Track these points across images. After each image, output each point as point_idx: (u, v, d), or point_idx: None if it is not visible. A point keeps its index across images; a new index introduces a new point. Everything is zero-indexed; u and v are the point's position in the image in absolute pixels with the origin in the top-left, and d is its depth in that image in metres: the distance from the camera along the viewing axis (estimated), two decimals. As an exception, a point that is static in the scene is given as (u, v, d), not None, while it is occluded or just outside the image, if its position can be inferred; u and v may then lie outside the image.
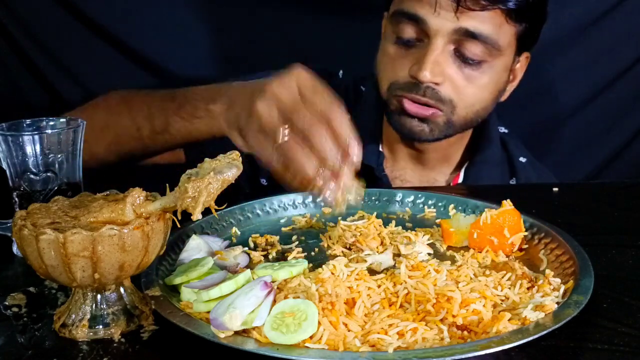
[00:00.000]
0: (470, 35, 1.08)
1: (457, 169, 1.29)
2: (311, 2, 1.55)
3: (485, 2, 1.06)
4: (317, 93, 0.84)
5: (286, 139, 0.82)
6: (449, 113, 1.13)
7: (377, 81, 1.20)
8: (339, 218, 0.96)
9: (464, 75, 1.11)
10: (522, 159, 1.33)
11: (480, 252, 0.87)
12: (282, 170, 0.84)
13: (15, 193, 0.86)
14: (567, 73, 1.56)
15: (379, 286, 0.74)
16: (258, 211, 1.01)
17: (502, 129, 1.35)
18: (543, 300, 0.71)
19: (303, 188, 0.83)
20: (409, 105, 1.12)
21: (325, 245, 0.91)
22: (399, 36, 1.13)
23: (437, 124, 1.14)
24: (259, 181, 1.26)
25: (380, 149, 1.27)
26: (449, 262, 0.83)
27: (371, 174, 1.24)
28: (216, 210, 0.69)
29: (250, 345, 0.64)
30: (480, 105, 1.16)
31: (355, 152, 0.82)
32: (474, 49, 1.09)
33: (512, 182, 1.31)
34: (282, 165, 0.83)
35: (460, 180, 1.28)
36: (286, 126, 0.82)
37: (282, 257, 0.88)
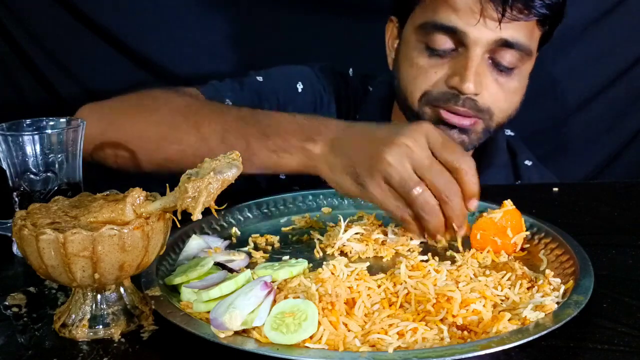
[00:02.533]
0: (509, 45, 1.07)
1: None
2: (315, 1, 1.55)
3: (526, 11, 1.05)
4: (448, 148, 0.86)
5: (419, 193, 0.84)
6: (488, 120, 1.12)
7: (403, 92, 1.16)
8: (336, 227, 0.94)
9: (498, 83, 1.10)
10: (527, 162, 1.33)
11: (481, 252, 0.86)
12: (408, 219, 0.87)
13: (15, 193, 0.86)
14: (568, 73, 1.56)
15: (379, 286, 0.74)
16: (258, 211, 1.01)
17: (508, 132, 1.35)
18: (543, 300, 0.71)
19: (427, 237, 0.89)
20: (448, 116, 1.10)
21: (321, 251, 0.91)
22: (431, 47, 1.10)
23: (477, 132, 1.13)
24: (277, 176, 1.24)
25: None
26: (449, 262, 0.83)
27: None
28: (216, 210, 0.68)
29: (250, 345, 0.64)
30: (511, 109, 1.15)
31: (473, 206, 0.86)
32: (508, 57, 1.08)
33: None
34: (411, 216, 0.86)
35: None
36: (423, 184, 0.84)
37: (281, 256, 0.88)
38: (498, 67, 1.10)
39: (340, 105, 1.32)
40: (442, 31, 1.08)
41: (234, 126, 0.99)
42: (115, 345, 0.68)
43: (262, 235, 0.95)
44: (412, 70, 1.13)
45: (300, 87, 1.29)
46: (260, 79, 1.28)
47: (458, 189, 0.85)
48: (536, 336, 0.64)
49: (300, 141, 0.93)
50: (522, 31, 1.07)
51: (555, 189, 1.14)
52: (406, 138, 0.85)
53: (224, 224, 0.97)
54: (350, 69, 1.36)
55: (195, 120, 1.02)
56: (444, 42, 1.09)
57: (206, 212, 0.67)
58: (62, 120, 0.89)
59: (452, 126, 1.11)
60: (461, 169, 0.85)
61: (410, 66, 1.14)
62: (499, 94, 1.11)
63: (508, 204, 0.88)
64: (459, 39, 1.07)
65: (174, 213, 0.68)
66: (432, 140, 0.86)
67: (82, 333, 0.69)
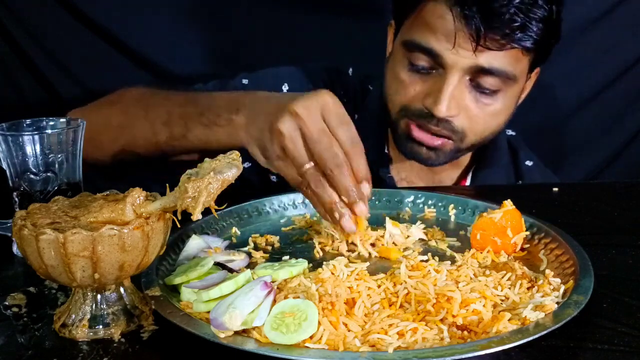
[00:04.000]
0: (487, 72, 1.07)
1: (465, 173, 1.29)
2: (315, 1, 1.55)
3: (504, 42, 1.04)
4: (342, 125, 0.85)
5: (306, 169, 0.84)
6: (459, 141, 1.13)
7: (386, 99, 1.18)
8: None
9: (478, 104, 1.10)
10: (529, 163, 1.32)
11: (481, 252, 0.86)
12: (304, 192, 0.87)
13: (15, 193, 0.86)
14: (567, 73, 1.56)
15: (379, 286, 0.74)
16: (258, 211, 1.01)
17: (509, 132, 1.34)
18: (543, 300, 0.71)
19: (322, 211, 0.86)
20: (418, 134, 1.11)
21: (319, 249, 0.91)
22: (413, 63, 1.11)
23: (445, 151, 1.13)
24: (268, 177, 1.26)
25: (386, 151, 1.27)
26: (449, 262, 0.83)
27: (376, 176, 1.23)
28: (216, 210, 0.68)
29: (250, 345, 0.64)
30: (490, 131, 1.15)
31: (367, 191, 0.85)
32: (490, 81, 1.08)
33: None
34: (305, 189, 0.86)
35: (467, 184, 1.28)
36: (310, 163, 0.84)
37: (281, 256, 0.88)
38: (480, 90, 1.09)
39: None
40: (421, 51, 1.09)
41: (176, 109, 1.04)
42: (115, 345, 0.68)
43: (262, 235, 0.95)
44: (394, 82, 1.15)
45: (285, 88, 1.30)
46: (245, 81, 1.29)
47: (343, 162, 0.83)
48: (536, 336, 0.64)
49: (228, 113, 0.95)
50: (503, 58, 1.06)
51: (555, 189, 1.14)
52: (300, 107, 0.84)
53: (224, 224, 0.97)
54: (350, 69, 1.36)
55: (145, 107, 1.08)
56: (424, 60, 1.10)
57: (206, 212, 0.67)
58: (62, 120, 0.89)
59: (420, 143, 1.12)
60: (350, 151, 0.84)
61: (393, 78, 1.15)
62: (478, 116, 1.11)
63: (508, 204, 0.88)
64: (437, 61, 1.08)
65: (174, 213, 0.68)
66: (328, 114, 0.85)
67: (82, 333, 0.69)
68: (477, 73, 1.07)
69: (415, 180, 1.27)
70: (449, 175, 1.28)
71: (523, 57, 1.09)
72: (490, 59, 1.06)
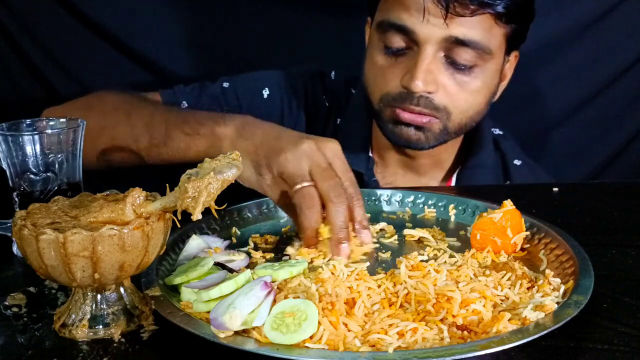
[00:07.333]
0: (460, 42, 1.06)
1: (449, 174, 1.27)
2: (304, 1, 1.55)
3: (474, 7, 1.03)
4: (347, 171, 0.89)
5: (304, 186, 0.86)
6: (445, 120, 1.11)
7: (366, 91, 1.17)
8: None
9: (456, 81, 1.09)
10: (517, 162, 1.30)
11: (481, 252, 0.86)
12: (291, 213, 0.90)
13: (15, 193, 0.86)
14: (567, 73, 1.56)
15: (379, 286, 0.74)
16: (258, 211, 1.01)
17: (497, 131, 1.33)
18: (543, 300, 0.71)
19: (302, 234, 0.88)
20: (404, 114, 1.11)
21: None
22: (387, 46, 1.11)
23: (433, 131, 1.12)
24: None
25: (370, 154, 1.26)
26: (448, 262, 0.83)
27: (361, 180, 1.22)
28: (216, 210, 0.68)
29: (250, 345, 0.64)
30: (474, 110, 1.14)
31: (365, 240, 0.88)
32: (465, 55, 1.07)
33: None
34: (294, 210, 0.88)
35: (452, 185, 1.27)
36: (309, 181, 0.86)
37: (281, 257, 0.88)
38: (456, 65, 1.09)
39: (316, 110, 1.32)
40: (394, 30, 1.09)
41: (157, 115, 1.05)
42: (115, 345, 0.68)
43: (262, 235, 0.95)
44: (372, 69, 1.15)
45: (266, 93, 1.30)
46: (226, 85, 1.29)
47: (343, 199, 0.86)
48: (536, 336, 0.64)
49: (213, 125, 0.97)
50: (476, 29, 1.06)
51: (555, 189, 1.14)
52: (311, 146, 0.88)
53: (224, 224, 0.97)
54: (333, 72, 1.35)
55: (127, 112, 1.09)
56: (398, 41, 1.10)
57: (206, 212, 0.67)
58: (62, 120, 0.89)
59: (408, 124, 1.12)
60: (352, 195, 0.88)
61: (371, 65, 1.15)
62: (458, 93, 1.10)
63: (508, 204, 0.88)
64: (411, 38, 1.08)
65: (174, 213, 0.68)
66: (335, 158, 0.88)
67: (82, 333, 0.69)
68: (451, 46, 1.07)
69: (400, 184, 1.25)
70: (433, 176, 1.27)
71: (497, 27, 1.09)
72: (463, 29, 1.05)
